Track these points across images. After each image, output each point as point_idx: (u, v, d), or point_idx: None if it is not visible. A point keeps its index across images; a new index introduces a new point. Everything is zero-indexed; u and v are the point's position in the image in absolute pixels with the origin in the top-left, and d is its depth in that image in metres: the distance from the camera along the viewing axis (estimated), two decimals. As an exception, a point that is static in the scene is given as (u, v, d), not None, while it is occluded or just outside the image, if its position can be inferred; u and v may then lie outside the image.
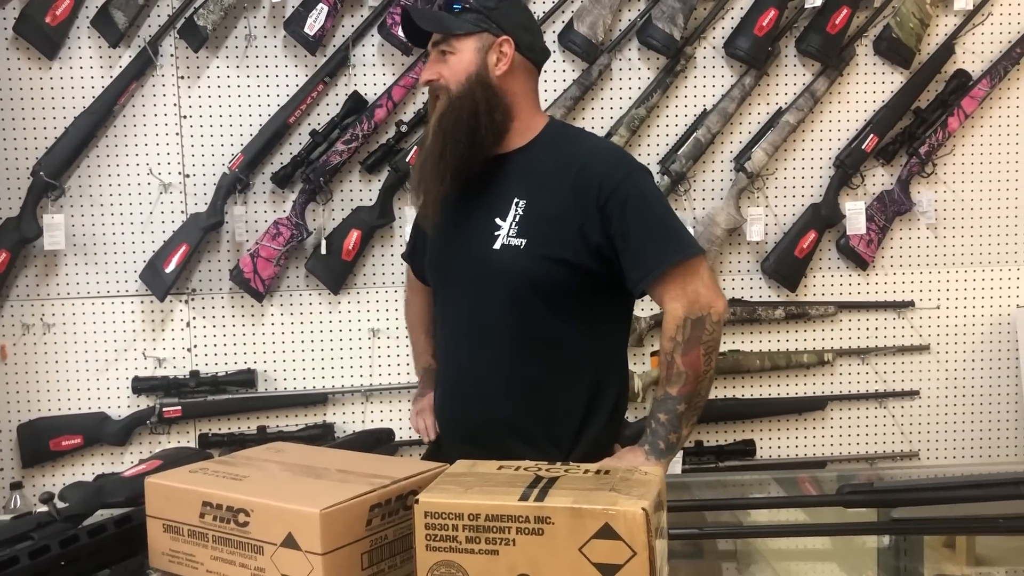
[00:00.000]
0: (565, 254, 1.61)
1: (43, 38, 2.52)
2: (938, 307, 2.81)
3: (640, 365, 2.68)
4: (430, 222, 1.71)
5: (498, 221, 1.65)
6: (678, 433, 1.58)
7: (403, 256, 2.02)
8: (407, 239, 2.04)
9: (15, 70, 2.56)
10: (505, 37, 1.66)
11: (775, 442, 2.80)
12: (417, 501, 1.00)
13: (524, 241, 1.62)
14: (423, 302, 1.95)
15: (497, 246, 1.64)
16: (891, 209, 2.75)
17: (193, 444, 2.62)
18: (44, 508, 1.24)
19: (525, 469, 1.07)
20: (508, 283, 1.63)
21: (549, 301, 1.63)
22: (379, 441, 1.86)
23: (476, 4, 1.67)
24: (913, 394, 2.81)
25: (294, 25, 2.54)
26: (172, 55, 2.59)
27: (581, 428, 1.67)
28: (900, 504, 1.22)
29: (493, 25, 1.66)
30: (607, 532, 0.95)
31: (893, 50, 2.71)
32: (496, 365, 1.67)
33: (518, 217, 1.64)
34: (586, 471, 1.06)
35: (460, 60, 1.65)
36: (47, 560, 1.10)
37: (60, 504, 1.29)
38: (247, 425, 2.65)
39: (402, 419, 2.65)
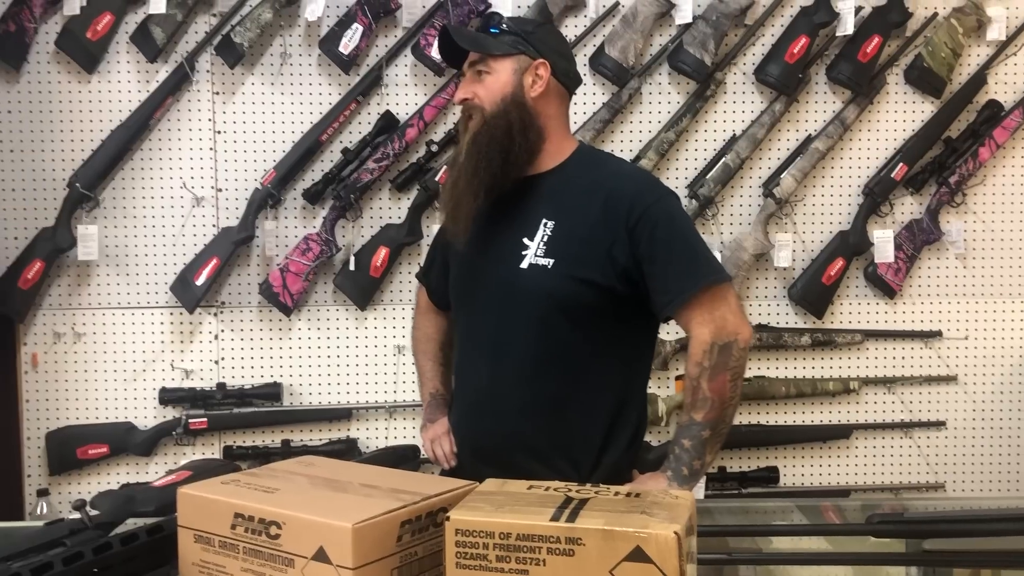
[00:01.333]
0: (592, 275, 1.62)
1: (83, 52, 2.57)
2: (966, 337, 2.79)
3: (664, 389, 2.68)
4: (461, 239, 1.71)
5: (526, 241, 1.66)
6: (702, 460, 1.58)
7: (417, 275, 2.02)
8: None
9: (55, 83, 2.61)
10: (541, 60, 1.68)
11: (799, 469, 2.78)
12: (448, 518, 1.00)
13: (552, 261, 1.63)
14: (433, 326, 1.96)
15: (524, 265, 1.64)
16: (920, 238, 2.74)
17: (217, 456, 2.64)
18: (76, 515, 1.26)
19: (556, 490, 1.07)
20: (534, 302, 1.64)
21: (574, 322, 1.64)
22: (404, 458, 1.86)
23: (514, 27, 1.69)
24: (939, 425, 2.78)
25: (329, 44, 2.58)
26: (208, 71, 2.64)
27: (601, 452, 1.67)
28: (931, 535, 1.21)
29: (530, 48, 1.68)
30: (638, 555, 0.94)
31: (924, 79, 2.71)
32: (518, 384, 1.67)
33: (546, 237, 1.65)
34: (617, 493, 1.06)
35: (496, 80, 1.67)
36: (80, 567, 1.11)
37: (92, 512, 1.30)
38: (271, 438, 2.66)
39: (425, 437, 2.65)
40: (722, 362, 1.57)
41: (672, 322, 1.66)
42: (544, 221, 1.66)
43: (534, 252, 1.64)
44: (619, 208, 1.62)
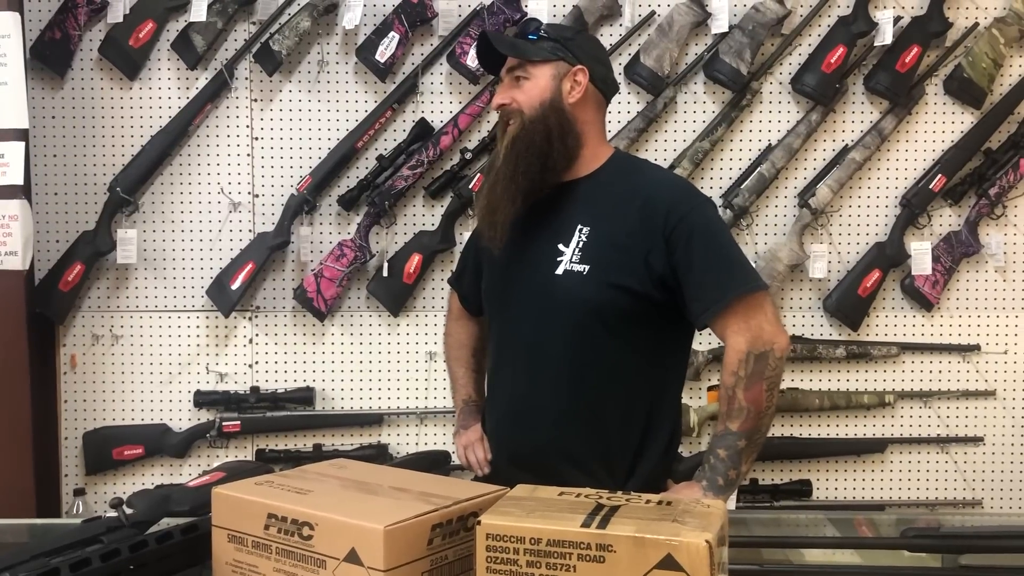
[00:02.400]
0: (628, 282, 1.61)
1: (126, 60, 2.62)
2: (1005, 352, 2.74)
3: (696, 399, 2.66)
4: (498, 244, 1.71)
5: (561, 247, 1.66)
6: (737, 469, 1.56)
7: (449, 281, 2.02)
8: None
9: (98, 90, 2.66)
10: (580, 66, 1.69)
11: (832, 483, 2.75)
12: (479, 523, 1.00)
13: (587, 267, 1.63)
14: (466, 332, 1.96)
15: (559, 271, 1.64)
16: (958, 250, 2.70)
17: (250, 459, 2.66)
18: (113, 513, 1.27)
19: (586, 496, 1.07)
20: (569, 308, 1.64)
21: (609, 329, 1.63)
22: (436, 463, 1.87)
23: (553, 33, 1.70)
24: (977, 440, 2.74)
25: (366, 52, 2.60)
26: (247, 78, 2.67)
27: (636, 459, 1.66)
28: (968, 551, 1.19)
29: (569, 54, 1.69)
30: (669, 563, 0.94)
31: (964, 90, 2.67)
32: (553, 391, 1.67)
33: (581, 243, 1.65)
34: (648, 501, 1.06)
35: (535, 85, 1.68)
36: (117, 563, 1.13)
37: (128, 510, 1.32)
38: (303, 442, 2.68)
39: (456, 443, 2.66)
40: (758, 371, 1.56)
41: (704, 331, 1.65)
42: (580, 227, 1.66)
43: (569, 258, 1.64)
44: (656, 215, 1.62)
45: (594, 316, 1.63)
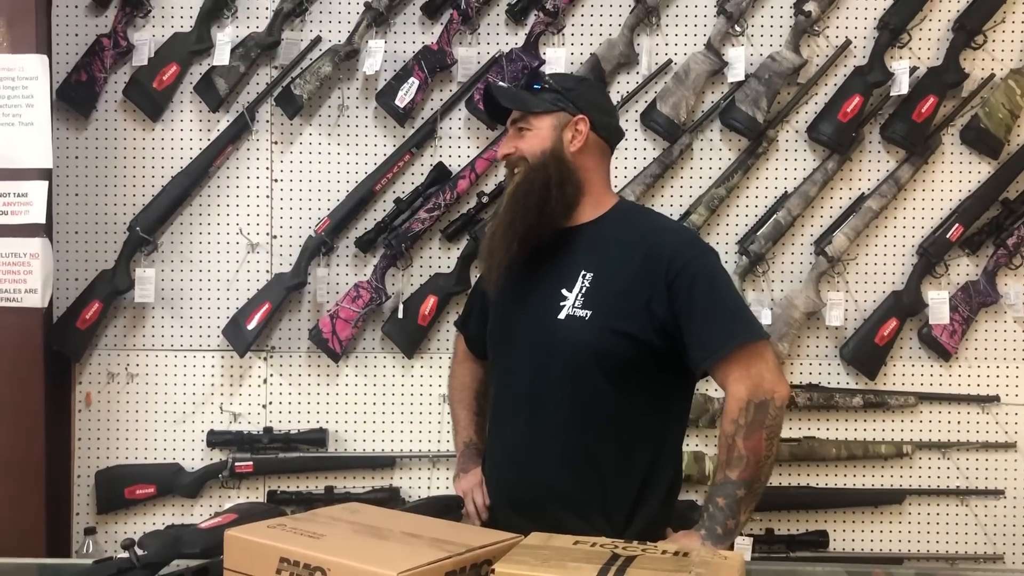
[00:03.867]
0: (630, 328, 1.62)
1: (149, 101, 2.66)
2: (1025, 403, 2.71)
3: (712, 447, 2.64)
4: (493, 287, 1.76)
5: (564, 292, 1.67)
6: (736, 519, 1.55)
7: (456, 324, 2.04)
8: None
9: (121, 131, 2.70)
10: (581, 116, 1.72)
11: (849, 534, 2.70)
12: (493, 571, 1.00)
13: (589, 312, 1.64)
14: (470, 374, 1.98)
15: (562, 316, 1.65)
16: (976, 300, 2.69)
17: (262, 500, 2.65)
18: (124, 554, 1.27)
19: (602, 546, 1.06)
20: (571, 353, 1.64)
21: (610, 375, 1.63)
22: (448, 508, 1.85)
23: (555, 84, 1.75)
24: (998, 493, 2.70)
25: (386, 97, 2.63)
26: (268, 121, 2.71)
27: (635, 507, 1.66)
28: (990, 608, 1.17)
29: (570, 104, 1.73)
30: (686, 616, 0.93)
31: (981, 140, 2.68)
32: (553, 435, 1.67)
33: (584, 289, 1.66)
34: (664, 552, 1.05)
35: (537, 136, 1.72)
36: (127, 606, 1.12)
37: (139, 551, 1.32)
38: (315, 484, 2.67)
39: (468, 488, 2.64)
40: (758, 420, 1.56)
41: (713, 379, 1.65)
42: (583, 273, 1.67)
43: (572, 303, 1.65)
44: (659, 262, 1.63)
45: (595, 362, 1.63)
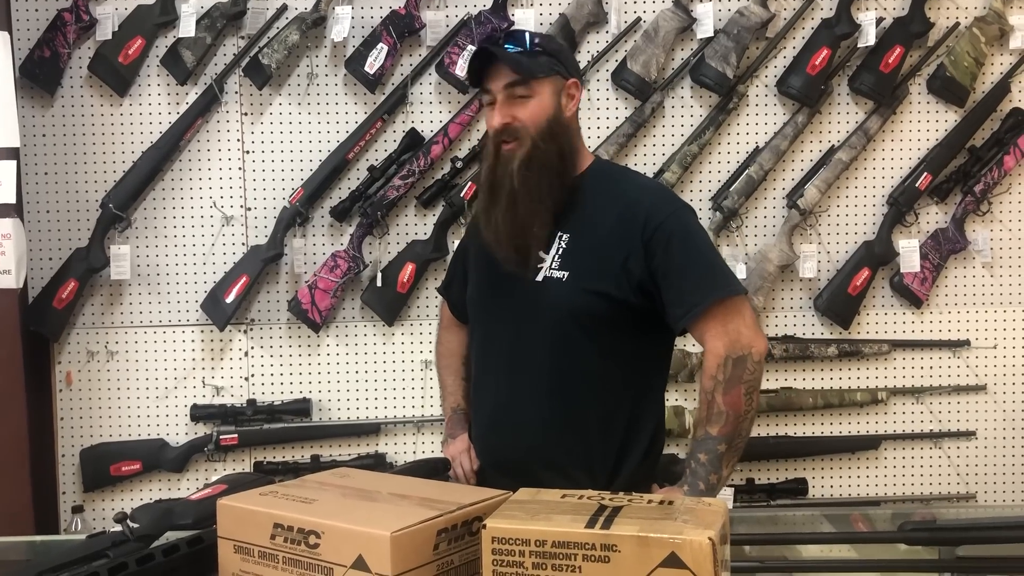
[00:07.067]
0: (607, 288, 1.63)
1: (115, 76, 2.62)
2: (994, 346, 2.77)
3: (691, 401, 2.68)
4: (526, 265, 1.67)
5: (541, 254, 1.67)
6: (718, 474, 1.57)
7: (439, 290, 2.04)
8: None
9: (88, 107, 2.66)
10: (574, 79, 1.70)
11: (828, 480, 2.77)
12: (484, 526, 1.02)
13: (566, 274, 1.64)
14: (456, 340, 1.97)
15: (539, 278, 1.66)
16: (945, 247, 2.73)
17: (249, 471, 2.66)
18: (117, 528, 1.28)
19: (589, 498, 1.09)
20: (549, 315, 1.65)
21: (589, 334, 1.65)
22: (435, 470, 1.88)
23: (547, 46, 1.70)
24: (969, 435, 2.77)
25: (355, 64, 2.61)
26: (237, 92, 2.68)
27: (618, 463, 1.68)
28: (965, 542, 1.21)
29: (563, 68, 1.70)
30: (673, 561, 0.96)
31: (947, 89, 2.71)
32: (534, 397, 1.68)
33: (561, 250, 1.66)
34: (650, 501, 1.08)
35: (539, 103, 1.66)
36: (124, 577, 1.14)
37: (132, 524, 1.33)
38: (301, 454, 2.69)
39: (453, 451, 2.67)
40: (736, 375, 1.58)
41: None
42: (560, 234, 1.68)
43: (549, 265, 1.66)
44: (634, 221, 1.64)
45: (573, 322, 1.64)
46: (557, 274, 1.65)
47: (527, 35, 1.70)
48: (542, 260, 1.67)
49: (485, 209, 1.73)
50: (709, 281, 1.62)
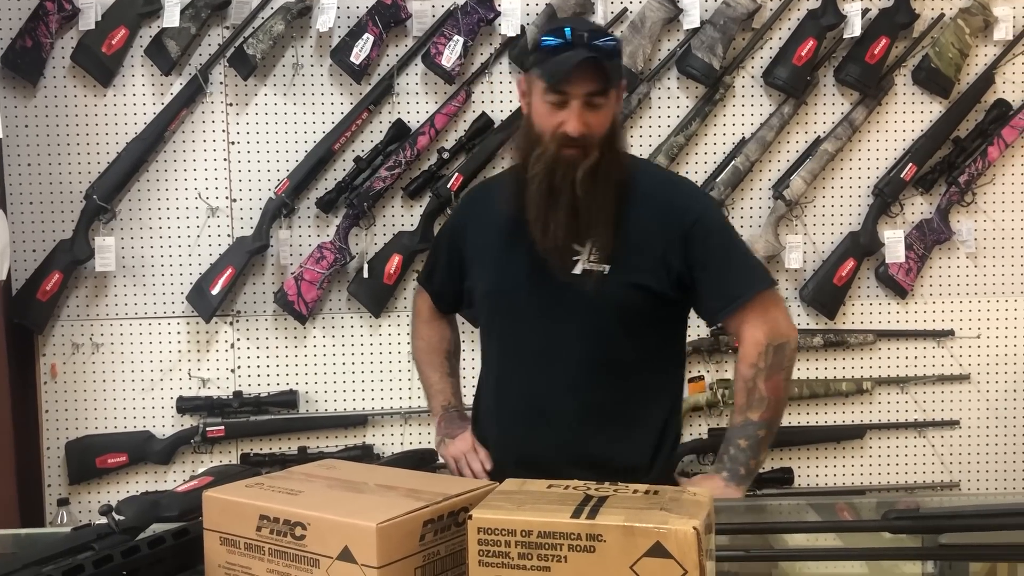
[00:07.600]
0: (648, 281, 1.63)
1: (99, 66, 2.60)
2: (978, 336, 2.79)
3: (677, 391, 2.69)
4: (567, 260, 1.64)
5: (576, 247, 1.64)
6: (757, 459, 1.61)
7: (419, 280, 1.96)
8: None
9: (71, 97, 2.64)
10: (623, 81, 1.70)
11: (813, 470, 2.78)
12: (470, 517, 1.02)
13: (608, 267, 1.62)
14: (437, 334, 1.91)
15: (577, 271, 1.63)
16: (930, 238, 2.75)
17: (236, 463, 2.66)
18: (102, 520, 1.28)
19: (575, 488, 1.09)
20: (588, 308, 1.63)
21: (626, 328, 1.64)
22: (423, 460, 1.88)
23: (621, 49, 1.66)
24: (953, 424, 2.79)
25: (340, 54, 2.60)
26: (222, 83, 2.67)
27: (654, 457, 1.68)
28: (948, 530, 1.22)
29: (622, 70, 1.69)
30: (658, 550, 0.96)
31: (932, 80, 2.72)
32: (570, 391, 1.66)
33: (599, 243, 1.64)
34: (635, 491, 1.08)
35: (609, 111, 1.62)
36: (110, 569, 1.13)
37: (118, 517, 1.32)
38: (288, 445, 2.69)
39: (440, 442, 2.67)
40: (777, 362, 1.62)
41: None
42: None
43: (587, 257, 1.63)
44: (672, 215, 1.65)
45: (614, 316, 1.63)
46: (597, 268, 1.63)
47: (613, 40, 1.62)
48: (578, 253, 1.64)
49: (540, 213, 1.63)
50: (749, 274, 1.66)
